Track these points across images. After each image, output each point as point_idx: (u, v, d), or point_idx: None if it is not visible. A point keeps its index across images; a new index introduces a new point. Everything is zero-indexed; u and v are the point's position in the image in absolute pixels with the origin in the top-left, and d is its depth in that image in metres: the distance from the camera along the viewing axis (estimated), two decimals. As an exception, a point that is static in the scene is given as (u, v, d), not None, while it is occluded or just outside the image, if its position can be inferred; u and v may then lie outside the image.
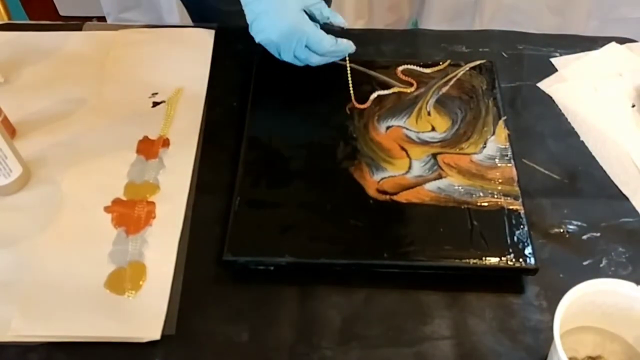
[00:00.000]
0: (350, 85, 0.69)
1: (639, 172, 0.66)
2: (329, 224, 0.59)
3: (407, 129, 0.66)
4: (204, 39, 0.78)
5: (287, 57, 0.65)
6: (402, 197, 0.60)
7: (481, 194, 0.60)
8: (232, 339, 0.54)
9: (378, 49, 0.79)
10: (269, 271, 0.57)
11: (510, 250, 0.56)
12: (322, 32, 0.65)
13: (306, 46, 0.64)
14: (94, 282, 0.56)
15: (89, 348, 0.53)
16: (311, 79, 0.70)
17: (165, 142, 0.67)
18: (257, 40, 0.65)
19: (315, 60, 0.66)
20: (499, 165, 0.63)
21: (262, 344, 0.53)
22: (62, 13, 1.86)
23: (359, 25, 1.61)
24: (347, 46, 0.67)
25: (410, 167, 0.63)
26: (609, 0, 1.59)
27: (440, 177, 0.62)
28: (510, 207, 0.59)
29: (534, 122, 0.71)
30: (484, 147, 0.64)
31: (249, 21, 0.65)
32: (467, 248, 0.56)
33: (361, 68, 0.71)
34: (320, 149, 0.65)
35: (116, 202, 0.62)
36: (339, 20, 0.67)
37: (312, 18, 0.65)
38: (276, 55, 0.66)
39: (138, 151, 0.66)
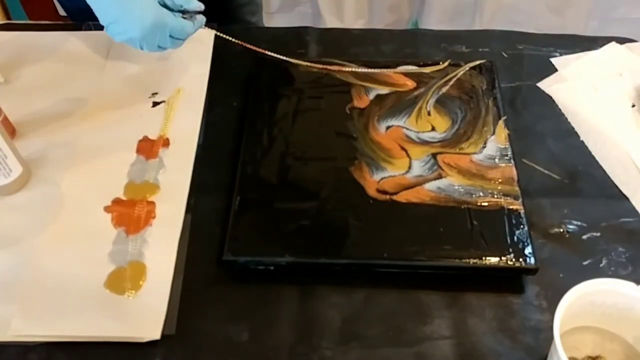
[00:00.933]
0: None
1: (639, 172, 0.66)
2: (329, 224, 0.59)
3: (407, 128, 0.66)
4: (204, 39, 0.78)
5: (150, 49, 0.64)
6: (402, 197, 0.60)
7: (481, 194, 0.60)
8: (232, 339, 0.54)
9: (378, 49, 0.79)
10: (269, 271, 0.57)
11: (510, 250, 0.56)
12: (181, 20, 0.64)
13: (170, 35, 0.64)
14: (94, 282, 0.56)
15: (89, 348, 0.53)
16: (311, 79, 0.70)
17: (165, 142, 0.67)
18: (116, 40, 0.63)
19: (180, 45, 0.66)
20: (499, 165, 0.63)
21: (262, 344, 0.53)
22: (62, 13, 1.85)
23: (359, 25, 1.61)
24: (201, 19, 0.67)
25: (410, 167, 0.63)
26: (609, 0, 1.59)
27: (440, 177, 0.62)
28: (510, 207, 0.59)
29: (534, 122, 0.71)
30: (484, 147, 0.64)
31: (103, 24, 0.63)
32: (467, 248, 0.56)
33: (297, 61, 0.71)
34: (320, 148, 0.65)
35: (116, 202, 0.62)
36: (194, 5, 0.66)
37: (166, 7, 0.64)
38: (138, 48, 0.64)
39: (138, 151, 0.66)
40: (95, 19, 0.62)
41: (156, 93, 0.72)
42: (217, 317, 0.55)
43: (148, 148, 0.66)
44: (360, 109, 0.68)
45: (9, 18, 0.99)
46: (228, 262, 0.57)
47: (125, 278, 0.56)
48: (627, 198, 0.64)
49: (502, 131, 0.66)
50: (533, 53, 0.78)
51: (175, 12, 0.64)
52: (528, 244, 0.56)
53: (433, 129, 0.66)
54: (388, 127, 0.67)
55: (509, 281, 0.58)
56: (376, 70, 0.72)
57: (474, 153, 0.64)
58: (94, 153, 0.66)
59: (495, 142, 0.65)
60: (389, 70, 0.72)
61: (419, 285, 0.57)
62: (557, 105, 0.73)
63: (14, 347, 0.53)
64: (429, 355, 0.53)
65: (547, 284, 0.57)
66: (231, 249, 0.57)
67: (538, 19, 1.60)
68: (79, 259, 0.58)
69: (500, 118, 0.67)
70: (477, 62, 0.73)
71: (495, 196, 0.60)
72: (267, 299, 0.56)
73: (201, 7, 0.66)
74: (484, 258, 0.56)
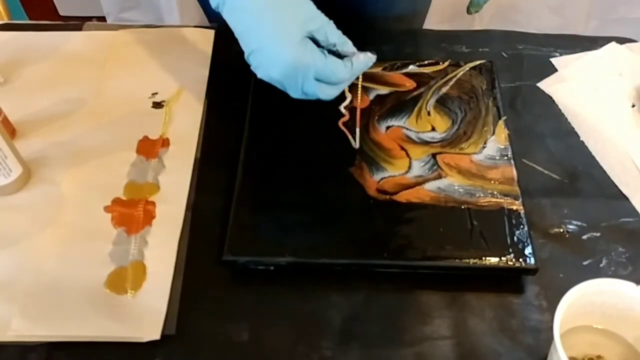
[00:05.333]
0: (358, 117, 0.63)
1: (639, 172, 0.66)
2: (329, 224, 0.59)
3: (407, 129, 0.66)
4: (204, 39, 0.78)
5: (295, 93, 0.56)
6: (402, 197, 0.60)
7: (481, 194, 0.60)
8: (232, 339, 0.54)
9: (378, 49, 0.78)
10: (269, 271, 0.57)
11: (510, 250, 0.56)
12: (333, 59, 0.55)
13: (317, 79, 0.55)
14: (94, 282, 0.56)
15: (89, 348, 0.53)
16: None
17: (165, 142, 0.67)
18: (258, 76, 0.56)
19: (330, 92, 0.56)
20: (499, 165, 0.63)
21: (262, 344, 0.53)
22: (62, 13, 1.86)
23: (359, 25, 1.61)
24: (365, 61, 0.57)
25: (410, 167, 0.63)
26: (609, 0, 1.59)
27: (440, 177, 0.62)
28: (510, 207, 0.59)
29: (534, 122, 0.71)
30: (484, 147, 0.64)
31: (245, 54, 0.56)
32: (467, 248, 0.56)
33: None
34: (321, 148, 0.65)
35: (116, 202, 0.62)
36: (349, 48, 0.57)
37: (317, 44, 0.55)
38: (285, 91, 0.57)
39: (138, 151, 0.66)
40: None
41: (156, 93, 0.72)
42: (217, 317, 0.55)
43: (148, 148, 0.66)
44: (360, 109, 0.68)
45: (9, 18, 0.99)
46: (228, 262, 0.57)
47: (125, 278, 0.56)
48: (627, 198, 0.64)
49: (502, 131, 0.66)
50: (533, 53, 0.78)
51: (327, 51, 0.55)
52: (528, 244, 0.56)
53: (433, 129, 0.66)
54: (388, 127, 0.67)
55: (509, 281, 0.58)
56: (376, 70, 0.72)
57: (474, 153, 0.64)
58: (94, 153, 0.66)
59: (495, 142, 0.65)
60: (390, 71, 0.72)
61: (419, 285, 0.57)
62: (557, 105, 0.73)
63: (14, 347, 0.53)
64: (429, 355, 0.53)
65: (547, 284, 0.57)
66: (231, 249, 0.57)
67: (538, 19, 1.60)
68: (79, 259, 0.58)
69: (500, 118, 0.67)
70: (477, 62, 0.73)
71: (495, 196, 0.60)
72: (267, 299, 0.56)
73: (354, 51, 0.57)
74: (484, 258, 0.56)
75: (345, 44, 0.56)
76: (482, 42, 0.80)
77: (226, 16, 0.55)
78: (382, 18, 0.87)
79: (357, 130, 0.61)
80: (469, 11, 0.69)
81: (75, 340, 0.53)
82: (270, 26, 0.53)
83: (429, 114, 0.68)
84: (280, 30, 0.53)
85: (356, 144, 0.62)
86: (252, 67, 0.56)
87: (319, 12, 0.56)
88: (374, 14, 0.87)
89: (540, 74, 0.76)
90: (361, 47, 0.76)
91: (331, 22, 0.56)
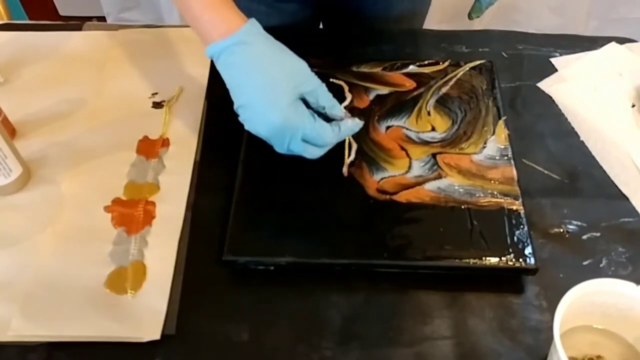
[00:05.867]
0: (346, 156, 0.63)
1: (639, 172, 0.66)
2: (329, 224, 0.59)
3: (407, 129, 0.66)
4: (204, 39, 0.78)
5: (280, 150, 0.56)
6: (402, 197, 0.60)
7: (481, 194, 0.60)
8: (232, 339, 0.54)
9: (378, 49, 0.79)
10: (269, 271, 0.57)
11: (510, 250, 0.56)
12: (321, 123, 0.56)
13: (303, 140, 0.55)
14: (94, 281, 0.56)
15: (89, 348, 0.53)
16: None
17: (165, 142, 0.67)
18: (246, 128, 0.56)
19: (315, 153, 0.57)
20: (499, 165, 0.63)
21: (262, 344, 0.53)
22: (62, 13, 1.86)
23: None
24: (352, 127, 0.58)
25: (410, 167, 0.63)
26: (609, 0, 1.59)
27: (440, 177, 0.62)
28: (510, 207, 0.59)
29: (534, 122, 0.71)
30: (484, 147, 0.64)
31: (234, 105, 0.56)
32: (467, 248, 0.56)
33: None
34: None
35: (116, 201, 0.62)
36: (337, 112, 0.58)
37: (307, 104, 0.56)
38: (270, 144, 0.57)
39: (138, 151, 0.66)
40: None
41: (156, 93, 0.72)
42: (217, 317, 0.55)
43: (148, 148, 0.66)
44: (360, 109, 0.68)
45: (9, 18, 0.99)
46: (228, 262, 0.57)
47: (125, 278, 0.56)
48: (627, 198, 0.64)
49: (502, 131, 0.66)
50: (533, 53, 0.78)
51: (316, 113, 0.56)
52: (528, 244, 0.56)
53: (433, 129, 0.66)
54: (388, 127, 0.67)
55: (509, 281, 0.58)
56: (376, 70, 0.72)
57: (474, 153, 0.64)
58: (94, 153, 0.66)
59: (495, 142, 0.65)
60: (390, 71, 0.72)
61: (419, 285, 0.57)
62: (557, 105, 0.73)
63: (14, 347, 0.53)
64: (429, 355, 0.53)
65: (547, 284, 0.57)
66: (231, 249, 0.57)
67: (538, 19, 1.60)
68: (79, 259, 0.58)
69: (500, 118, 0.67)
70: (477, 62, 0.73)
71: (495, 196, 0.60)
72: (267, 299, 0.56)
73: (343, 116, 0.58)
74: (484, 258, 0.56)
75: (334, 107, 0.58)
76: (482, 42, 0.80)
77: (220, 69, 0.56)
78: (382, 18, 0.87)
79: (347, 160, 0.62)
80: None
81: (75, 340, 0.53)
82: (262, 86, 0.54)
83: (429, 114, 0.68)
84: (271, 91, 0.54)
85: (345, 172, 0.62)
86: (240, 119, 0.56)
87: (312, 74, 0.57)
88: (373, 14, 0.87)
89: (540, 74, 0.76)
90: (361, 47, 0.76)
91: (323, 85, 0.57)
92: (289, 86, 0.54)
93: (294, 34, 0.79)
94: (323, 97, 0.57)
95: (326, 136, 0.56)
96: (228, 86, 0.56)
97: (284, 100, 0.54)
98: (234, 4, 0.57)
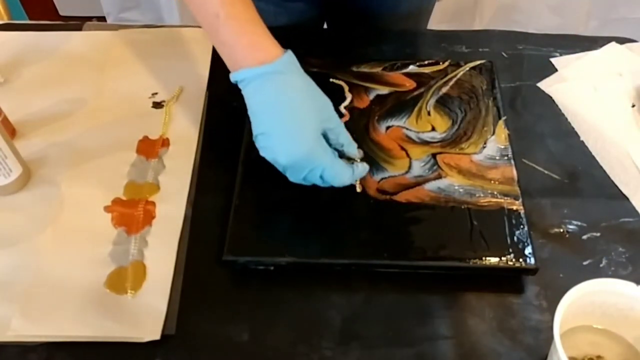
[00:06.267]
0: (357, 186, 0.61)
1: (639, 172, 0.66)
2: (329, 224, 0.59)
3: (407, 129, 0.66)
4: (204, 39, 0.78)
5: (295, 179, 0.57)
6: (402, 197, 0.60)
7: (481, 194, 0.60)
8: (232, 339, 0.54)
9: (378, 49, 0.79)
10: (269, 271, 0.57)
11: (510, 250, 0.56)
12: (340, 163, 0.56)
13: (320, 176, 0.56)
14: (94, 281, 0.56)
15: (89, 348, 0.53)
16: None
17: (165, 142, 0.67)
18: (262, 154, 0.56)
19: (324, 186, 0.58)
20: (499, 165, 0.63)
21: (262, 344, 0.53)
22: (62, 13, 1.86)
23: (359, 25, 1.61)
24: (363, 170, 0.59)
25: (410, 167, 0.63)
26: (609, 0, 1.59)
27: (440, 177, 0.62)
28: (510, 207, 0.59)
29: (534, 122, 0.71)
30: (484, 147, 0.64)
31: (254, 133, 0.56)
32: (467, 248, 0.56)
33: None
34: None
35: (116, 201, 0.62)
36: (353, 151, 0.59)
37: (326, 140, 0.57)
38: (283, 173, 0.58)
39: (138, 151, 0.66)
40: None
41: (156, 93, 0.72)
42: (217, 317, 0.55)
43: (148, 148, 0.66)
44: (360, 109, 0.68)
45: (9, 18, 0.99)
46: (228, 262, 0.57)
47: (125, 278, 0.56)
48: (627, 198, 0.64)
49: (502, 131, 0.66)
50: (533, 53, 0.78)
51: (334, 150, 0.57)
52: (528, 244, 0.56)
53: (433, 129, 0.66)
54: (388, 127, 0.67)
55: (509, 281, 0.58)
56: (376, 70, 0.72)
57: (474, 153, 0.64)
58: (94, 153, 0.66)
59: (495, 142, 0.65)
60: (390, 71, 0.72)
61: (419, 285, 0.57)
62: (557, 105, 0.73)
63: (14, 347, 0.53)
64: (429, 355, 0.53)
65: (547, 284, 0.57)
66: (231, 249, 0.57)
67: (538, 19, 1.60)
68: (79, 259, 0.58)
69: (500, 118, 0.67)
70: (477, 62, 0.73)
71: (495, 196, 0.60)
72: (267, 299, 0.56)
73: (358, 156, 0.60)
74: (484, 258, 0.56)
75: (351, 146, 0.59)
76: (482, 42, 0.80)
77: (247, 94, 0.56)
78: (389, 16, 0.87)
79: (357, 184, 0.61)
80: None
81: (75, 340, 0.53)
82: (292, 117, 0.54)
83: (429, 114, 0.68)
84: (301, 123, 0.54)
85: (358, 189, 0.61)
86: (258, 146, 0.56)
87: (334, 112, 0.58)
88: (381, 12, 0.87)
89: (540, 74, 0.76)
90: (362, 47, 0.76)
91: (342, 123, 0.58)
92: (317, 120, 0.55)
93: (297, 33, 0.80)
94: (342, 135, 0.58)
95: (344, 176, 0.57)
96: (250, 112, 0.56)
97: (311, 133, 0.54)
98: (268, 31, 0.56)
